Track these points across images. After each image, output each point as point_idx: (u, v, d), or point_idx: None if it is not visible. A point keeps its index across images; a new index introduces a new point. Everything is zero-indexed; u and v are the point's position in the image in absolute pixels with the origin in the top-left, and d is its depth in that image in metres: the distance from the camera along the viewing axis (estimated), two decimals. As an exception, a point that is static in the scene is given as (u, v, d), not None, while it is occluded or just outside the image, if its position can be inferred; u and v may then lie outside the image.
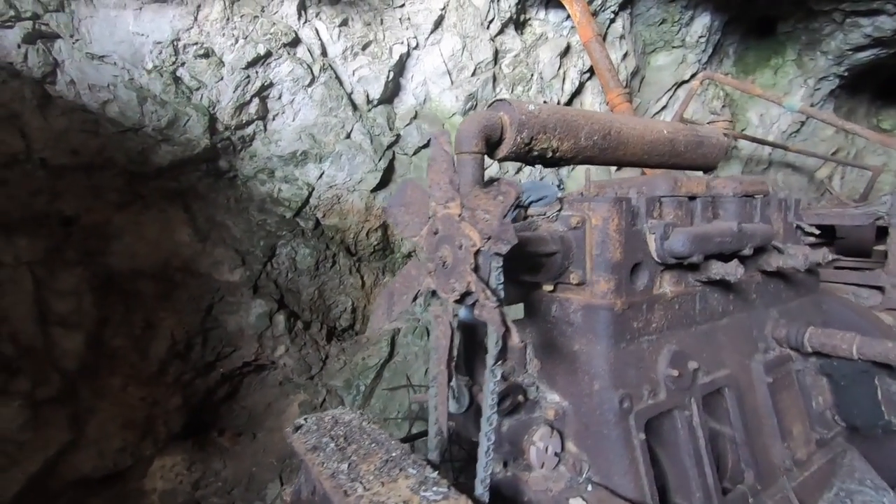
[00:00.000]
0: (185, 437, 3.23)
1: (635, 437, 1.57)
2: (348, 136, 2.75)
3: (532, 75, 4.38)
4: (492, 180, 1.41)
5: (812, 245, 2.64)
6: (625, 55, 5.08)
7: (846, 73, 6.30)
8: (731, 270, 1.73)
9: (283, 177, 3.38)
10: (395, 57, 3.59)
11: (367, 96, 3.55)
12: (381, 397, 3.60)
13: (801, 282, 2.48)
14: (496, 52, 4.13)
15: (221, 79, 3.02)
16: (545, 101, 4.44)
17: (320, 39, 3.30)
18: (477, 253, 1.32)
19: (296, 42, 3.20)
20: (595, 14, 4.63)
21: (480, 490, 1.32)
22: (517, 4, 4.14)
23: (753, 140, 5.56)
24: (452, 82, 3.96)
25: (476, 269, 1.31)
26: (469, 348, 1.83)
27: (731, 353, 2.01)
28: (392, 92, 3.74)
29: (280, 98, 3.25)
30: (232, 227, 3.28)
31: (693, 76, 5.51)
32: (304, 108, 3.30)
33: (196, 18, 2.91)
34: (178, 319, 3.09)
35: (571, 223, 1.63)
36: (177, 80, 2.93)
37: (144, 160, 2.90)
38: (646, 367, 1.69)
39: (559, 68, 4.53)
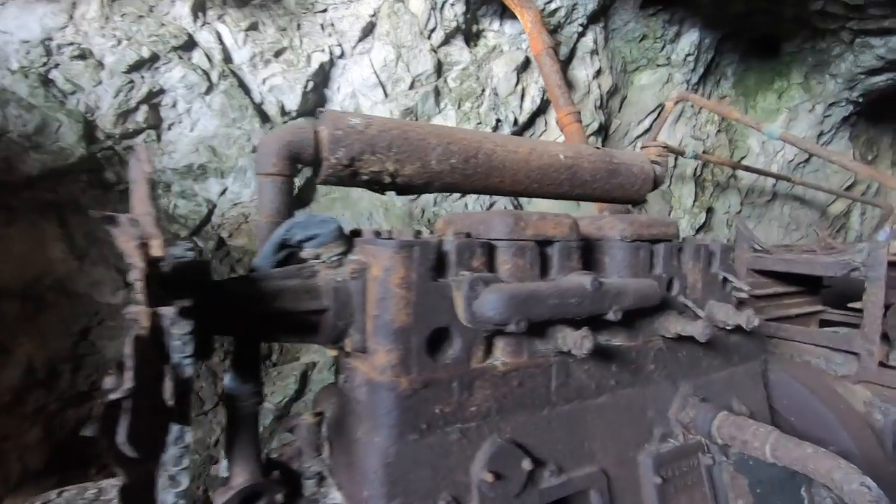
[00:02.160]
0: (48, 473, 2.93)
1: (407, 570, 1.17)
2: (255, 150, 2.47)
3: (483, 90, 4.05)
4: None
5: (766, 296, 2.18)
6: (598, 72, 4.71)
7: (860, 99, 5.76)
8: (576, 342, 1.33)
9: (181, 192, 3.11)
10: (315, 65, 3.32)
11: (282, 107, 3.27)
12: (286, 440, 3.23)
13: (734, 347, 2.03)
14: (439, 65, 3.82)
15: (100, 83, 2.79)
16: (498, 121, 4.09)
17: (222, 44, 3.05)
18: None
19: (190, 46, 2.96)
20: (559, 27, 4.29)
21: None
22: (465, 14, 3.84)
23: (747, 169, 5.07)
24: (387, 95, 3.66)
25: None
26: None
27: (608, 443, 1.60)
28: (315, 103, 3.45)
29: (175, 106, 3.00)
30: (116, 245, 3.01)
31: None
32: (204, 118, 3.04)
33: (71, 17, 2.70)
34: (39, 344, 2.82)
35: (348, 272, 1.26)
36: (47, 82, 2.71)
37: (9, 168, 2.67)
38: (451, 468, 1.30)
39: (517, 84, 4.18)
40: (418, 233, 1.28)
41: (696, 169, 5.65)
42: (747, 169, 5.40)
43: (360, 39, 3.49)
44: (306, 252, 1.30)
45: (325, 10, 3.34)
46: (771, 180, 6.16)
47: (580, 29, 4.37)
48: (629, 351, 1.69)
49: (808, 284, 3.26)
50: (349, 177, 1.63)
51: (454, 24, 3.78)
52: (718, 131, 5.82)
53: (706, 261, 1.93)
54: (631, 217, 1.73)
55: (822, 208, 6.70)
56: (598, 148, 2.22)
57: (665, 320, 1.70)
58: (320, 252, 1.30)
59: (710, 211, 5.94)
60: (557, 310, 1.32)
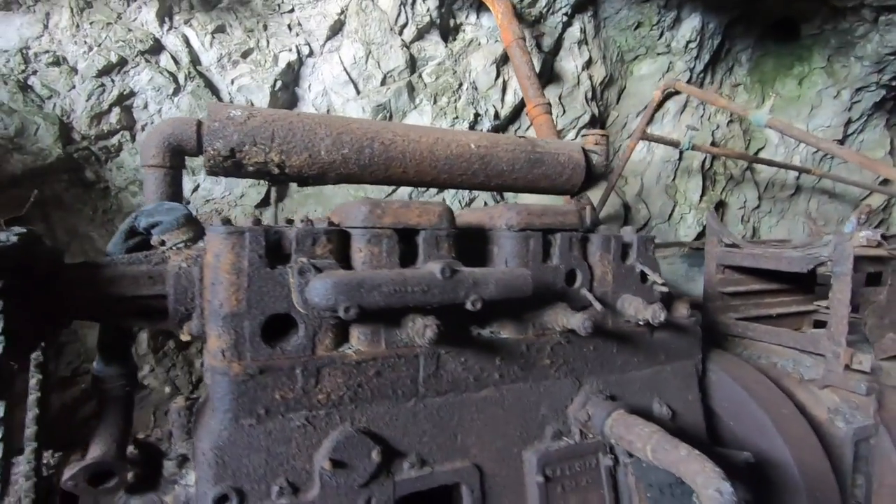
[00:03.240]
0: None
1: (231, 551, 1.19)
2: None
3: (461, 84, 4.02)
4: None
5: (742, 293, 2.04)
6: (588, 62, 4.58)
7: (894, 83, 5.30)
8: (418, 330, 1.31)
9: (156, 190, 3.27)
10: (282, 65, 3.41)
11: (252, 106, 3.38)
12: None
13: (659, 344, 1.93)
14: (412, 60, 3.83)
15: (74, 87, 2.98)
16: (477, 115, 4.04)
17: (189, 47, 3.19)
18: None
19: (157, 49, 3.11)
20: (541, 18, 4.20)
21: None
22: (439, 9, 3.83)
23: (755, 161, 4.77)
24: (359, 92, 3.71)
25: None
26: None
27: (488, 439, 1.56)
28: (286, 102, 3.55)
29: (146, 108, 3.16)
30: (97, 239, 3.21)
31: (683, 87, 4.84)
32: (174, 119, 3.19)
33: (46, 26, 2.90)
34: (22, 334, 3.06)
35: (185, 258, 1.30)
36: (26, 88, 2.93)
37: (-8, 171, 2.92)
38: (292, 454, 1.31)
39: (497, 77, 4.13)
40: (258, 220, 1.30)
41: (704, 162, 5.37)
42: (756, 161, 5.10)
43: (329, 38, 3.56)
44: (154, 239, 1.35)
45: (291, 10, 3.42)
46: (793, 173, 5.76)
47: (564, 18, 4.26)
48: (517, 344, 1.65)
49: (800, 282, 3.04)
50: (234, 167, 1.67)
51: (427, 18, 3.78)
52: (730, 121, 5.51)
53: (619, 253, 1.85)
54: (522, 206, 1.68)
55: (856, 202, 6.20)
56: (522, 137, 2.16)
57: (554, 313, 1.63)
58: (165, 239, 1.34)
59: (721, 206, 5.63)
60: (398, 298, 1.31)
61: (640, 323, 1.79)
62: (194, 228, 1.36)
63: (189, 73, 3.17)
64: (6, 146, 2.92)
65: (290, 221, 1.49)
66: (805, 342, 2.42)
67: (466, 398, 1.57)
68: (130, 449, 1.50)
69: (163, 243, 1.34)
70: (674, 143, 4.25)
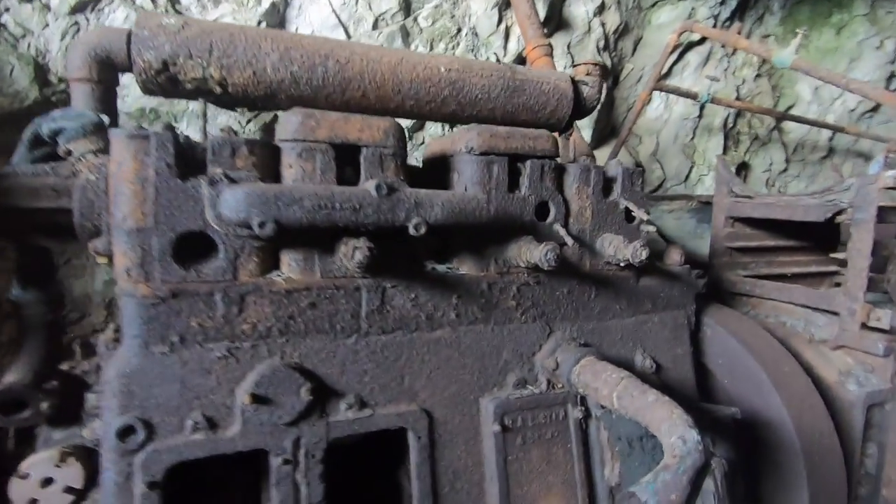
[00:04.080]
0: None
1: (135, 484, 1.09)
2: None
3: (460, 30, 3.77)
4: None
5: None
6: (600, 8, 4.24)
7: (946, 31, 4.79)
8: (346, 253, 1.17)
9: (138, 138, 3.18)
10: (265, 5, 3.22)
11: (236, 50, 3.22)
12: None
13: (645, 292, 1.76)
14: (406, 2, 3.58)
15: (47, 25, 2.87)
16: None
17: (167, -17, 3.02)
18: None
19: (133, -15, 2.95)
20: (549, -45, 3.87)
21: None
22: (437, -56, 3.55)
23: (785, 118, 4.41)
24: (349, 36, 3.50)
25: None
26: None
27: (440, 383, 1.43)
28: (273, 47, 3.36)
29: (124, 49, 3.02)
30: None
31: (705, 37, 4.47)
32: (153, 62, 3.05)
33: (16, -41, 2.77)
34: (6, 280, 3.03)
35: (95, 169, 1.17)
36: (0, 27, 2.83)
37: (-28, 113, 2.85)
38: (211, 387, 1.20)
39: (499, 23, 3.85)
40: (171, 127, 1.16)
41: (726, 119, 5.01)
42: (785, 118, 4.72)
43: (316, -24, 3.34)
44: (60, 148, 1.22)
45: (276, -55, 3.22)
46: (826, 133, 5.34)
47: (575, -43, 3.93)
48: (477, 282, 1.49)
49: (820, 238, 2.78)
50: (169, 84, 1.52)
51: (423, -45, 3.52)
52: (758, 76, 5.10)
53: (600, 186, 1.65)
54: (486, 127, 1.49)
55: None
56: (500, 63, 1.95)
57: (518, 247, 1.46)
58: (71, 148, 1.21)
59: (744, 168, 5.27)
60: (324, 216, 1.16)
61: (622, 264, 1.61)
62: (106, 137, 1.23)
63: (167, 11, 3.02)
64: (-20, 89, 2.85)
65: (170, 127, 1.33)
66: (818, 299, 2.19)
67: (417, 338, 1.43)
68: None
69: (69, 153, 1.21)
70: (691, 96, 3.93)
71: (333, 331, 1.33)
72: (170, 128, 1.16)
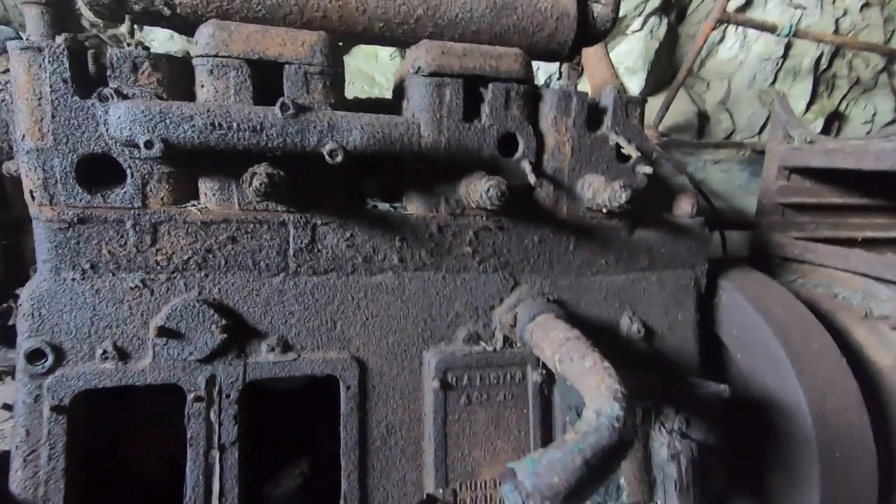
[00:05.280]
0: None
1: (43, 406, 1.10)
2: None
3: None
4: None
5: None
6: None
7: None
8: (245, 178, 1.06)
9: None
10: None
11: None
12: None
13: (641, 245, 1.52)
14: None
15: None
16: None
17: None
18: None
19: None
20: None
21: None
22: None
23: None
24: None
25: None
26: None
27: (377, 331, 1.33)
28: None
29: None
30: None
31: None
32: None
33: None
34: None
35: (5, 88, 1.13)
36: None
37: None
38: (123, 317, 1.18)
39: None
40: (75, 37, 1.08)
41: (818, 60, 4.24)
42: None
43: None
44: (-17, 66, 1.19)
45: None
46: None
47: None
48: (425, 223, 1.33)
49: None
50: (117, 6, 1.45)
51: None
52: (866, 4, 4.22)
53: (584, 117, 1.40)
54: (436, 42, 1.29)
55: None
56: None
57: (467, 183, 1.27)
58: (-10, 66, 1.18)
59: (837, 119, 4.49)
60: (220, 137, 1.04)
61: (604, 211, 1.37)
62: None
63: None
64: None
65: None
66: (882, 267, 1.80)
67: (352, 281, 1.31)
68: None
69: (-11, 71, 1.19)
70: (768, 29, 3.32)
71: (257, 268, 1.25)
72: (73, 40, 1.09)
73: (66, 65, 1.07)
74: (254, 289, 1.25)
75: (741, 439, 1.57)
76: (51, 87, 1.07)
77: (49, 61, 1.06)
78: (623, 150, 1.40)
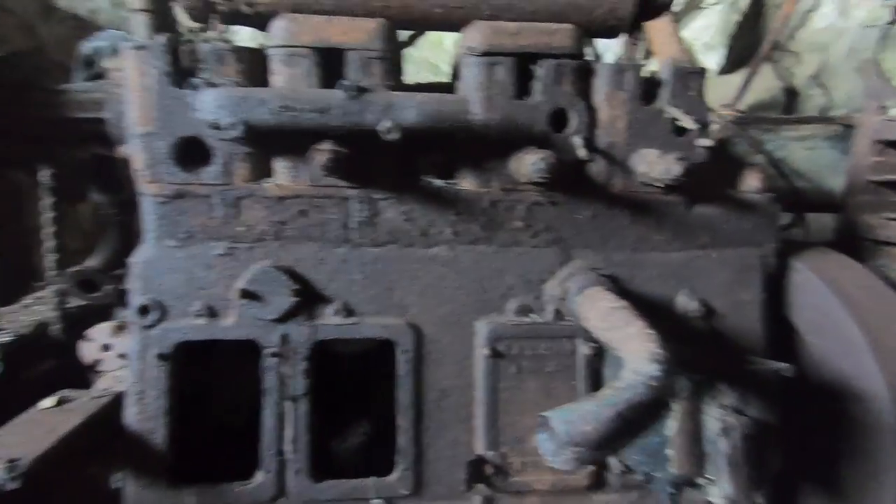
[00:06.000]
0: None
1: (150, 354, 1.30)
2: None
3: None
4: None
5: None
6: None
7: None
8: (316, 157, 1.18)
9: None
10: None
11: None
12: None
13: (703, 221, 1.49)
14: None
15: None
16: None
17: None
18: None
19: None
20: None
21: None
22: None
23: None
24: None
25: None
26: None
27: (432, 300, 1.44)
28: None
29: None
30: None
31: None
32: None
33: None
34: None
35: (116, 80, 1.34)
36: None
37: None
38: (212, 280, 1.36)
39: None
40: (173, 37, 1.25)
41: (937, 23, 3.74)
42: None
43: None
44: (100, 66, 1.41)
45: None
46: None
47: None
48: (478, 198, 1.39)
49: None
50: (205, 8, 1.64)
51: None
52: None
53: (638, 91, 1.39)
54: (489, 23, 1.34)
55: None
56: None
57: (517, 160, 1.31)
58: (107, 65, 1.39)
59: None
60: (290, 118, 1.17)
61: (661, 185, 1.35)
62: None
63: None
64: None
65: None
66: None
67: (409, 253, 1.40)
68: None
69: (107, 70, 1.40)
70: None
71: (324, 239, 1.38)
72: (170, 38, 1.26)
73: (166, 60, 1.24)
74: (321, 258, 1.38)
75: (811, 427, 1.49)
76: (155, 79, 1.25)
77: (153, 57, 1.24)
78: (680, 123, 1.37)
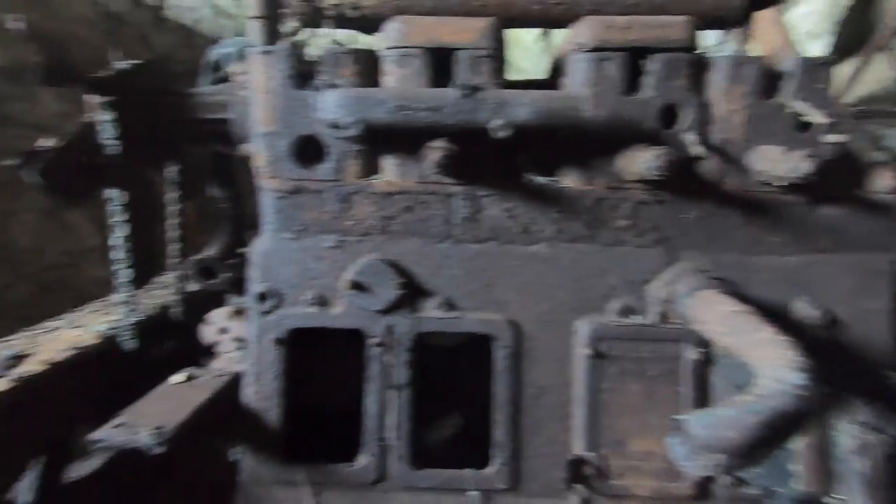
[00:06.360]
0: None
1: (267, 339, 1.40)
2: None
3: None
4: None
5: None
6: None
7: None
8: (428, 156, 1.22)
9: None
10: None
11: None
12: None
13: (823, 223, 1.42)
14: None
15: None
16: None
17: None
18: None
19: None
20: None
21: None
22: None
23: None
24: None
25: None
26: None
27: (531, 298, 1.45)
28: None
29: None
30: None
31: None
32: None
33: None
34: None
35: (245, 85, 1.44)
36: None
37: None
38: (323, 271, 1.44)
39: None
40: (294, 43, 1.33)
41: None
42: None
43: None
44: (226, 71, 1.53)
45: None
46: None
47: None
48: (582, 196, 1.38)
49: None
50: (314, 13, 1.73)
51: None
52: None
53: (759, 84, 1.31)
54: (600, 18, 1.32)
55: None
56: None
57: (626, 157, 1.28)
58: (232, 70, 1.50)
59: None
60: (405, 116, 1.21)
61: (784, 185, 1.27)
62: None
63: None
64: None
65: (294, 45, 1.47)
66: None
67: (510, 250, 1.41)
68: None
69: (231, 74, 1.51)
70: None
71: (427, 234, 1.41)
72: (293, 44, 1.34)
73: (290, 63, 1.32)
74: (424, 253, 1.42)
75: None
76: (279, 82, 1.34)
77: (278, 61, 1.33)
78: (806, 119, 1.28)
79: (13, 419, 1.28)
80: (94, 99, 1.41)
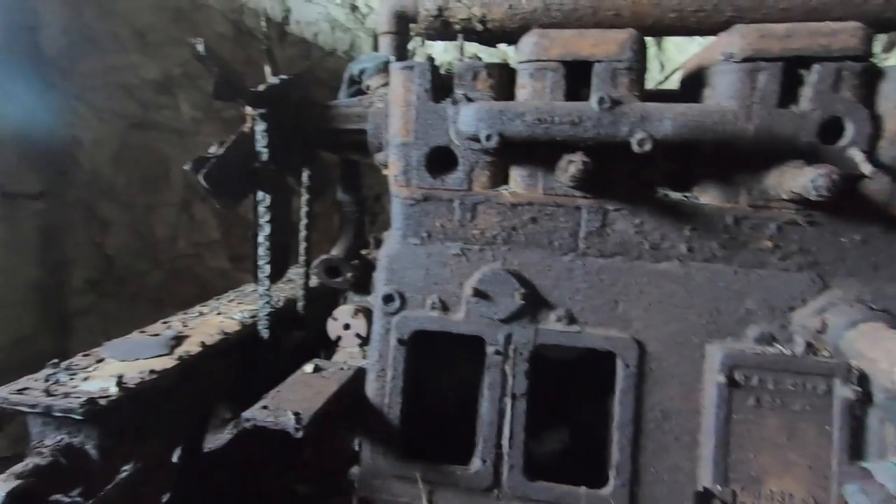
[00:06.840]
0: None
1: (391, 338, 1.48)
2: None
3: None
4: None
5: None
6: None
7: None
8: (561, 165, 1.24)
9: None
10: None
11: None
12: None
13: None
14: None
15: (383, 2, 3.66)
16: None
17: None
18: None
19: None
20: None
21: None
22: None
23: None
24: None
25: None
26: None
27: (658, 317, 1.42)
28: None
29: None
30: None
31: None
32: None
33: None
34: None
35: (384, 98, 1.54)
36: (354, 8, 3.75)
37: (339, 77, 3.93)
38: (446, 277, 1.50)
39: None
40: (431, 58, 1.39)
41: None
42: None
43: None
44: (363, 84, 1.63)
45: None
46: None
47: None
48: (720, 214, 1.31)
49: None
50: (443, 28, 1.80)
51: None
52: None
53: (945, 94, 1.16)
54: (752, 26, 1.24)
55: None
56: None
57: (780, 174, 1.19)
58: (370, 83, 1.60)
59: None
60: (543, 129, 1.22)
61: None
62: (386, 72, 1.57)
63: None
64: (344, 58, 3.90)
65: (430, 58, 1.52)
66: None
67: (637, 266, 1.37)
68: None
69: (368, 87, 1.61)
70: None
71: (551, 246, 1.41)
72: (429, 59, 1.41)
73: (428, 77, 1.39)
74: (547, 264, 1.42)
75: None
76: (416, 95, 1.41)
77: (417, 76, 1.40)
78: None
79: (178, 394, 1.47)
80: (252, 111, 1.58)
